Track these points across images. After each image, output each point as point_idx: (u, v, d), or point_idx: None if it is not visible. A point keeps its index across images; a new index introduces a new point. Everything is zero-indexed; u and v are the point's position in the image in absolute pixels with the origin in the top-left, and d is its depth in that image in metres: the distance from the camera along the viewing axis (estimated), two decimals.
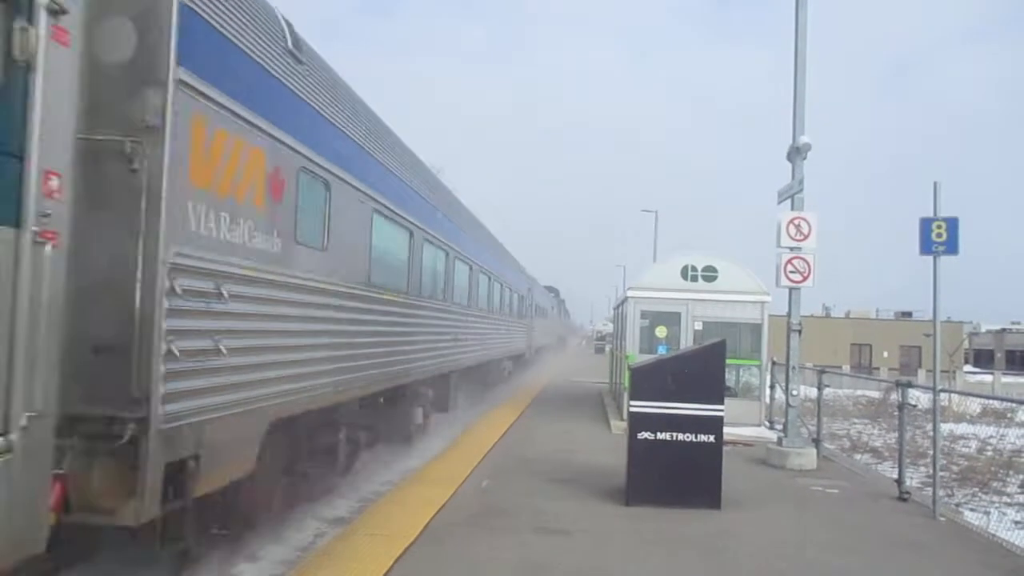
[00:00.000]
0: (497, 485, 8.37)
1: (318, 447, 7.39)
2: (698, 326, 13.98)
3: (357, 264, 7.74)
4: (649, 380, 8.00)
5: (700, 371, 7.97)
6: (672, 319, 14.30)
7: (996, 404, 22.81)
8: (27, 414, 3.08)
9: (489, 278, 17.16)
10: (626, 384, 10.12)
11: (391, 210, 8.91)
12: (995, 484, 12.88)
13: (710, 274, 14.13)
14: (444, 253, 12.25)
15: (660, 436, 7.78)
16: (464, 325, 14.05)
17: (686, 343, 13.57)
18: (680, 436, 7.78)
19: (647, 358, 11.34)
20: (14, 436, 3.03)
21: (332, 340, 6.91)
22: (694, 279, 14.14)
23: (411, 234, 10.00)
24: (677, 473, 7.71)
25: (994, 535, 7.46)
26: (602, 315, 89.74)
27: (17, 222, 3.05)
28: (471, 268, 14.66)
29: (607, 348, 38.03)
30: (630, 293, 14.72)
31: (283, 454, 6.43)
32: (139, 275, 4.21)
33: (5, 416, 3.01)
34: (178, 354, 4.38)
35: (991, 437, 17.49)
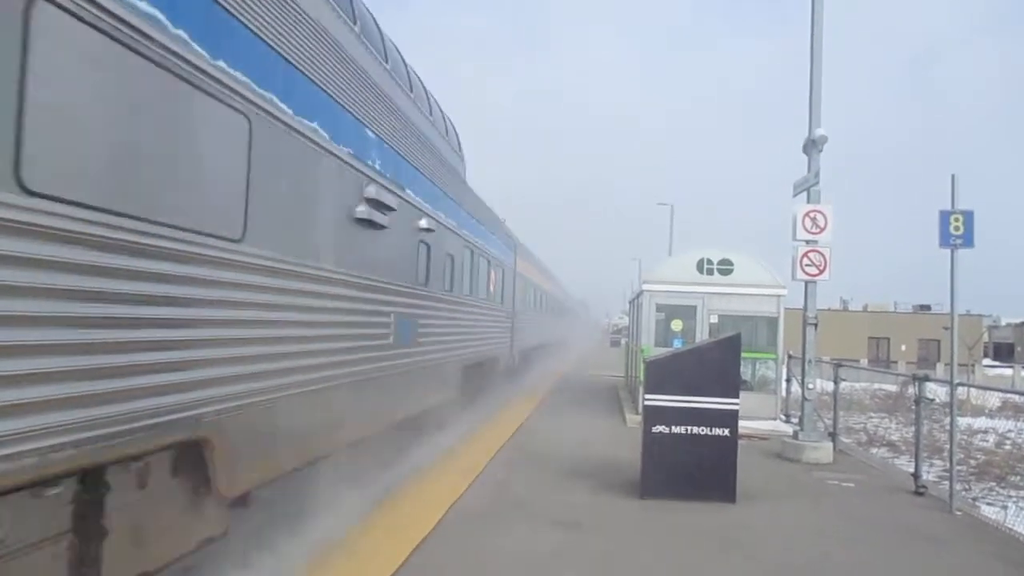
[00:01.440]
0: (512, 478, 8.43)
1: None
2: (714, 319, 13.96)
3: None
4: (664, 373, 8.02)
5: (715, 365, 7.97)
6: (688, 312, 14.28)
7: (1016, 398, 22.55)
8: None
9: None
10: (641, 378, 10.14)
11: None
12: (1013, 478, 12.79)
13: (726, 267, 14.10)
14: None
15: (675, 429, 7.80)
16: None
17: (701, 336, 13.55)
18: (695, 429, 7.79)
19: (662, 351, 11.34)
20: None
21: None
22: (710, 272, 14.12)
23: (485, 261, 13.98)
24: (692, 467, 7.73)
25: (1011, 529, 7.43)
26: (618, 308, 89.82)
27: None
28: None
29: (623, 342, 38.08)
30: (645, 286, 14.71)
31: None
32: None
33: None
34: None
35: (1010, 431, 17.35)
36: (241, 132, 4.53)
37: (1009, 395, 22.12)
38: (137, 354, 3.57)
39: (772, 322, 14.05)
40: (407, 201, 8.01)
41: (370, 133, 6.85)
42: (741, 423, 8.07)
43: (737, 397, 7.92)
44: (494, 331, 14.77)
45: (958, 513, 7.81)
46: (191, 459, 4.29)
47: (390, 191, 7.31)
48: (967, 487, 11.55)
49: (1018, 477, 12.88)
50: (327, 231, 5.87)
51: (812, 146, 10.72)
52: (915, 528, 7.15)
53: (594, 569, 5.59)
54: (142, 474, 3.93)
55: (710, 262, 14.15)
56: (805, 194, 10.86)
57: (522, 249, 19.61)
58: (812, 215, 10.60)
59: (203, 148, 4.16)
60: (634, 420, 12.79)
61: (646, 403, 8.00)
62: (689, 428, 7.79)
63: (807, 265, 10.62)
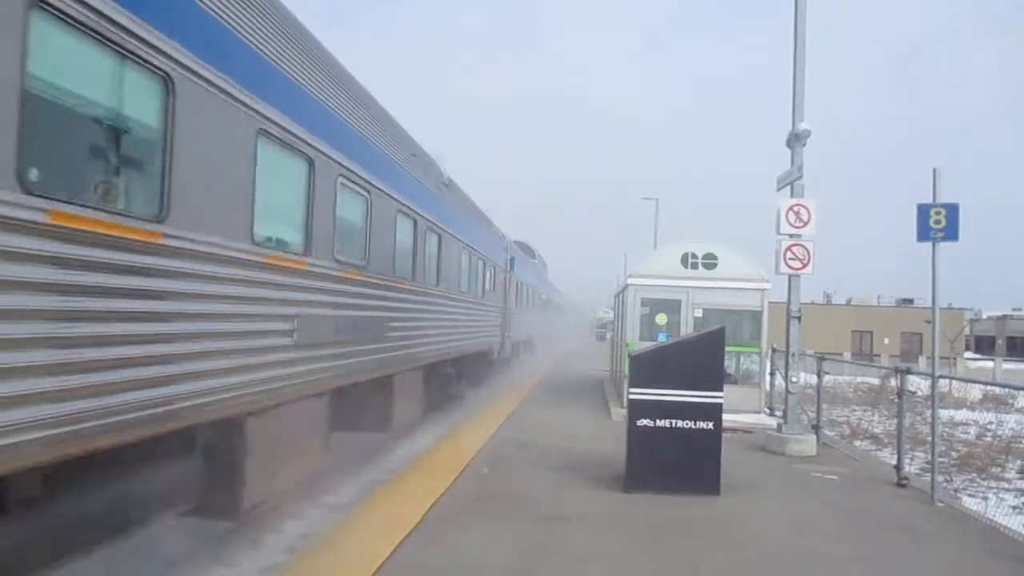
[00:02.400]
0: (497, 472, 8.41)
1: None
2: (698, 313, 14.00)
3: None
4: (649, 367, 8.02)
5: (700, 358, 7.98)
6: (672, 306, 14.31)
7: (996, 390, 22.85)
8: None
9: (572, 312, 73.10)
10: (626, 371, 10.15)
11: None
12: (994, 470, 12.92)
13: (710, 261, 14.13)
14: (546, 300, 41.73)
15: (659, 423, 7.80)
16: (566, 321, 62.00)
17: (686, 330, 13.59)
18: (679, 423, 7.80)
19: (647, 345, 11.35)
20: None
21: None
22: (694, 266, 14.15)
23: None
24: (676, 460, 7.73)
25: (992, 520, 7.49)
26: (603, 303, 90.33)
27: None
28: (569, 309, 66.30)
29: (608, 336, 38.48)
30: (630, 280, 14.72)
31: None
32: None
33: None
34: None
35: (990, 423, 17.55)
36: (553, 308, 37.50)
37: (990, 387, 22.43)
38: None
39: (756, 316, 14.10)
40: (547, 296, 36.23)
41: (542, 290, 33.20)
42: (725, 416, 8.09)
43: (721, 390, 7.93)
44: (557, 321, 41.69)
45: (940, 504, 7.87)
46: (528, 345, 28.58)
47: (538, 292, 31.23)
48: (949, 479, 11.64)
49: (998, 468, 13.02)
50: (538, 304, 31.18)
51: (795, 140, 10.74)
52: (898, 519, 7.19)
53: (580, 561, 5.58)
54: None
55: (694, 256, 14.18)
56: (788, 188, 10.88)
57: (553, 287, 39.24)
58: (796, 209, 10.63)
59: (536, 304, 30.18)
60: (619, 413, 12.81)
61: (631, 397, 8.00)
62: (674, 421, 7.80)
63: (791, 259, 10.65)
